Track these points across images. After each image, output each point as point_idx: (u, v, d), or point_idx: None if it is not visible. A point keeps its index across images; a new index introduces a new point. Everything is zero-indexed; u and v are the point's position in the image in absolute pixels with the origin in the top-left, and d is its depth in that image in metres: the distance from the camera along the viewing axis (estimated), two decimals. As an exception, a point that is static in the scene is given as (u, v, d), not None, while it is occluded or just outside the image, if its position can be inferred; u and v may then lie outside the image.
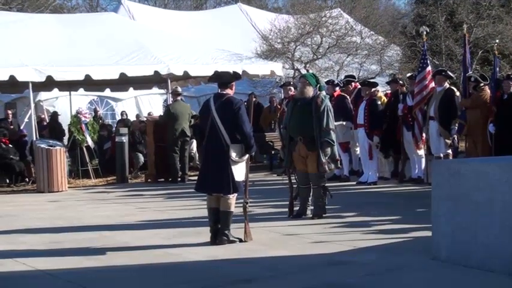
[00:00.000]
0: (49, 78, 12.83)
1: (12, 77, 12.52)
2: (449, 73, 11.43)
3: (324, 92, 8.52)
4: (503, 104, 9.83)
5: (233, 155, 6.75)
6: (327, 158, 8.11)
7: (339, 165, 9.05)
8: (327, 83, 12.52)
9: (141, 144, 14.65)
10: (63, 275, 5.82)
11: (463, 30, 11.49)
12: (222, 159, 6.75)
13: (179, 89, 13.74)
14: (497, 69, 10.28)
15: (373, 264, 5.89)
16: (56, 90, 17.93)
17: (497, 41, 12.29)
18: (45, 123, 18.01)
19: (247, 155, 6.93)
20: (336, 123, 11.77)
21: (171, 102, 14.00)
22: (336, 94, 12.13)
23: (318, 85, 8.32)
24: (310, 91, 8.22)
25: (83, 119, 13.36)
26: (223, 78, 7.06)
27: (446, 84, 10.86)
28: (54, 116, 16.86)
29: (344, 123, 11.90)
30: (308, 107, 8.14)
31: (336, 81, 13.01)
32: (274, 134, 14.55)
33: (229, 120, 6.75)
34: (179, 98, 13.51)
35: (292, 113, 8.33)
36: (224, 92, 6.94)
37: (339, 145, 12.01)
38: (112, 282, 5.65)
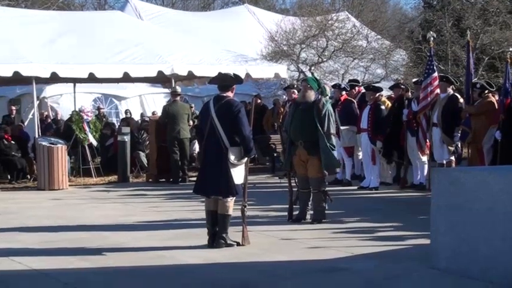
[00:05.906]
0: (53, 74, 12.85)
1: (16, 73, 12.52)
2: (451, 78, 11.33)
3: (327, 97, 8.46)
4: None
5: (232, 157, 6.70)
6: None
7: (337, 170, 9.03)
8: (334, 86, 12.44)
9: (141, 143, 14.57)
10: (57, 275, 5.79)
11: (467, 37, 11.38)
12: (221, 162, 6.69)
13: (178, 89, 13.69)
14: (510, 76, 10.08)
15: (370, 271, 5.81)
16: (60, 86, 17.94)
17: (511, 49, 12.05)
18: (49, 120, 17.99)
19: (246, 158, 6.87)
20: (342, 128, 11.78)
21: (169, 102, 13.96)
22: (342, 98, 12.08)
23: (320, 89, 8.26)
24: (311, 95, 8.16)
25: (85, 117, 13.31)
26: (224, 81, 7.01)
27: (450, 91, 10.77)
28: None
29: (348, 127, 11.83)
30: (309, 111, 8.07)
31: (343, 85, 12.93)
32: (278, 137, 14.47)
33: (228, 122, 6.69)
34: (178, 98, 13.46)
35: (293, 117, 8.27)
36: (224, 95, 6.89)
37: (344, 150, 11.98)
38: (105, 283, 5.61)
